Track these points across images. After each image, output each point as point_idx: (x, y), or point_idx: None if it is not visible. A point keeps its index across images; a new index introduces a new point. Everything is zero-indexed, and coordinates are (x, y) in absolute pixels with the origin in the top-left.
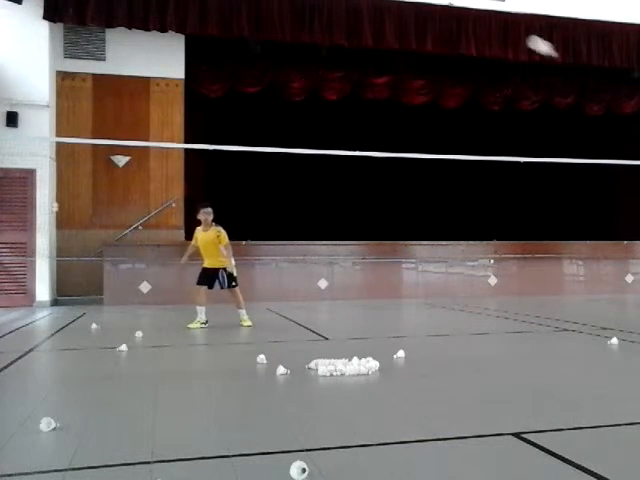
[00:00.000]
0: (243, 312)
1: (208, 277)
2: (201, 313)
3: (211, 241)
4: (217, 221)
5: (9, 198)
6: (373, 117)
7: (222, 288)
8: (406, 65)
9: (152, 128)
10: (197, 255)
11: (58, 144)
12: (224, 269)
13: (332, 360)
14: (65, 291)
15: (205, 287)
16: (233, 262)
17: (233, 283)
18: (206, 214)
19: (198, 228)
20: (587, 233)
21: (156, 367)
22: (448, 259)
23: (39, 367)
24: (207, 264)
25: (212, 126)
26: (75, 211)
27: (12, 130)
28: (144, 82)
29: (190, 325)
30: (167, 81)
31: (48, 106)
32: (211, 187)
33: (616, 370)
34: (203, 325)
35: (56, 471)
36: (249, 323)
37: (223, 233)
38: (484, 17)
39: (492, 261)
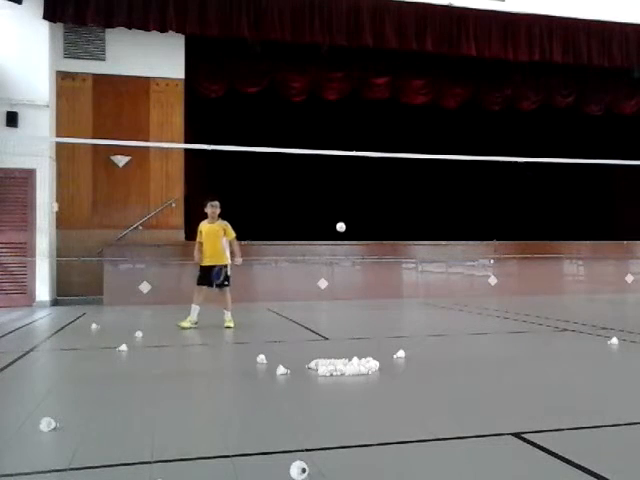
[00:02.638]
0: (229, 314)
1: (208, 276)
2: (194, 312)
3: (215, 234)
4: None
5: (9, 198)
6: (373, 117)
7: (212, 286)
8: (406, 65)
9: (152, 128)
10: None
11: (58, 144)
12: (224, 266)
13: (332, 360)
14: (65, 291)
15: (206, 287)
16: (240, 260)
17: (226, 282)
18: (213, 207)
19: (203, 222)
20: (587, 233)
21: (156, 367)
22: (448, 259)
23: (39, 367)
24: (208, 261)
25: (212, 126)
26: (75, 211)
27: (12, 130)
28: (144, 82)
29: (182, 323)
30: (167, 81)
31: (48, 106)
32: (211, 187)
33: (616, 370)
34: (193, 325)
35: (56, 471)
36: (232, 324)
37: (229, 227)
38: (484, 17)
39: (492, 261)
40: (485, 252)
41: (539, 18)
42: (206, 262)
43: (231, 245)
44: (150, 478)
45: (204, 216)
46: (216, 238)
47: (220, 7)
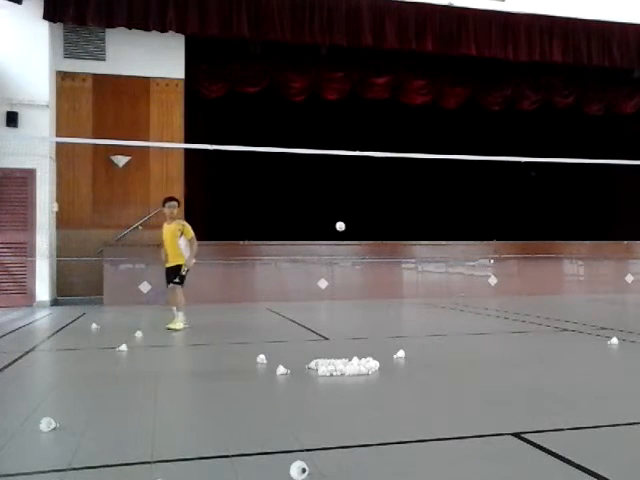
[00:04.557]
0: (179, 314)
1: (170, 276)
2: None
3: (172, 235)
4: (218, 220)
5: (9, 198)
6: (373, 117)
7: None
8: (406, 65)
9: (152, 128)
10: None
11: (58, 144)
12: (179, 265)
13: (332, 360)
14: (65, 291)
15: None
16: (192, 261)
17: (176, 280)
18: (171, 208)
19: (164, 223)
20: (587, 233)
21: (156, 367)
22: (448, 259)
23: (39, 367)
24: (166, 262)
25: (212, 126)
26: (75, 211)
27: (12, 130)
28: (144, 82)
29: (170, 325)
30: (167, 81)
31: (48, 106)
32: (211, 187)
33: (616, 370)
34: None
35: (56, 471)
36: (178, 327)
37: (187, 227)
38: (484, 17)
39: (492, 261)
40: (485, 252)
41: (539, 18)
42: (167, 263)
43: (190, 244)
44: (150, 478)
45: (203, 216)
46: (172, 238)
47: (220, 7)
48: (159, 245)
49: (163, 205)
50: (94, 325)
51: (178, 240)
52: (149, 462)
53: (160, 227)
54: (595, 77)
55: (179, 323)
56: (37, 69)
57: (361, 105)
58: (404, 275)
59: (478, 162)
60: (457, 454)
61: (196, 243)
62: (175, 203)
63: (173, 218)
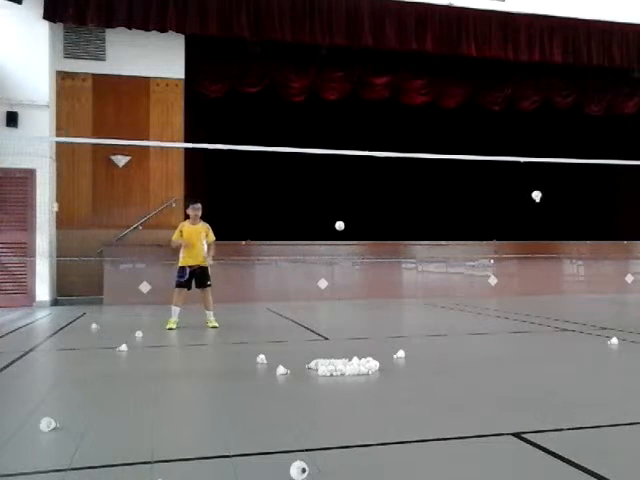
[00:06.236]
0: (211, 314)
1: (189, 277)
2: (175, 313)
3: (197, 236)
4: (218, 220)
5: (9, 198)
6: (373, 117)
7: (197, 287)
8: (406, 65)
9: (152, 128)
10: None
11: (58, 144)
12: (206, 267)
13: (332, 360)
14: (65, 291)
15: (185, 289)
16: (212, 261)
17: (209, 282)
18: (195, 210)
19: (184, 223)
20: (587, 233)
21: (156, 367)
22: (448, 259)
23: (39, 367)
24: (189, 262)
25: (212, 126)
26: (75, 211)
27: (12, 130)
28: (144, 82)
29: (168, 325)
30: (167, 81)
31: (48, 106)
32: (211, 187)
33: (616, 370)
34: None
35: (56, 471)
36: (216, 324)
37: (211, 230)
38: (484, 17)
39: (492, 261)
40: (485, 252)
41: (539, 18)
42: (186, 262)
43: (209, 246)
44: (150, 478)
45: (203, 216)
46: (198, 240)
47: (220, 7)
48: (159, 245)
49: (187, 206)
50: (94, 325)
51: (202, 241)
52: (149, 462)
53: (160, 227)
54: (595, 77)
55: (214, 322)
56: (37, 69)
57: (361, 105)
58: (404, 275)
59: (478, 162)
60: (457, 454)
61: (214, 245)
62: (200, 205)
63: (197, 220)
